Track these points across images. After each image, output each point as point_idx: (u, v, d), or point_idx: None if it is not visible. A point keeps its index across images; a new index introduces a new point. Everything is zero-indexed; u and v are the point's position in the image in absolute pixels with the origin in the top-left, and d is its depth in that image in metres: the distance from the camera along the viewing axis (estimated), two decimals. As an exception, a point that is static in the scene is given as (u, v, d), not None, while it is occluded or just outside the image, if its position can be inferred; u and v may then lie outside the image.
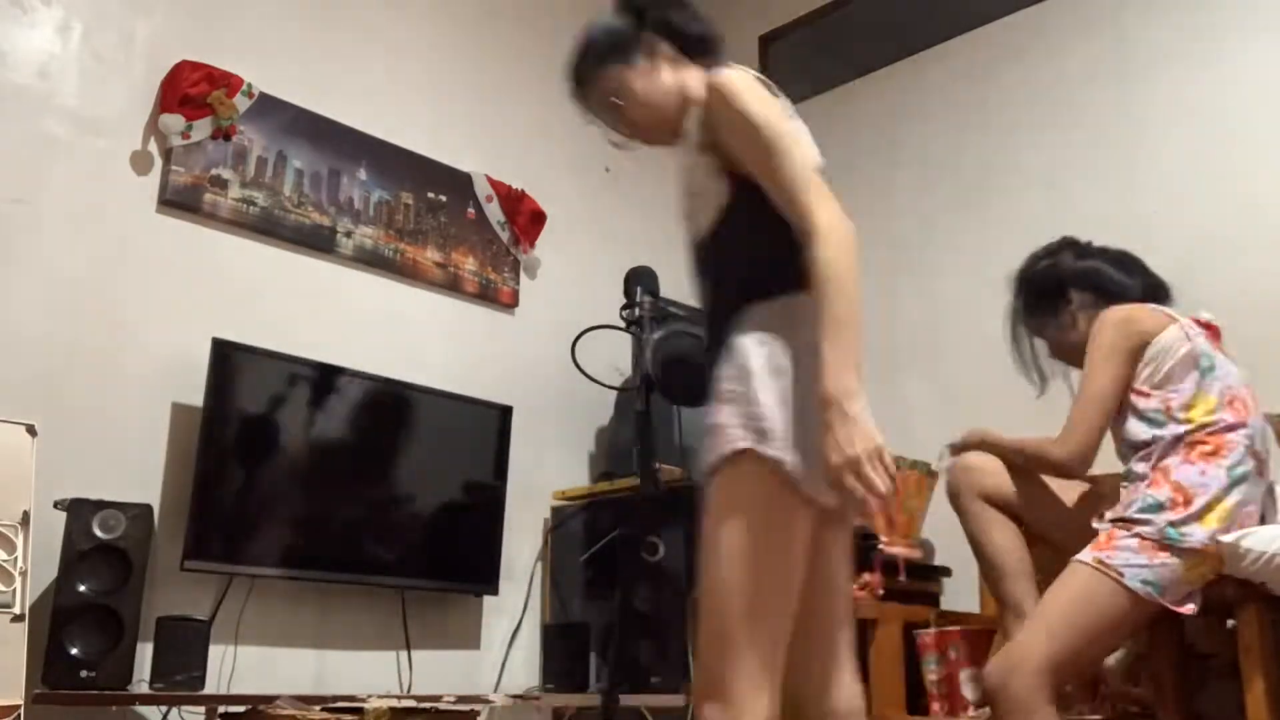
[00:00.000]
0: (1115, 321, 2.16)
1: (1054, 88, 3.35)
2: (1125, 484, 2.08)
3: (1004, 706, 1.94)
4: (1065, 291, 2.32)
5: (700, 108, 1.63)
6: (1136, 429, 2.10)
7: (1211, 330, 2.19)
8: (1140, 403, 2.10)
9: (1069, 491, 2.24)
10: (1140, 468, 2.05)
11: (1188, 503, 1.97)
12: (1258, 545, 1.91)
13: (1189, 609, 1.97)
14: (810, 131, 1.65)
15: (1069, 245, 2.39)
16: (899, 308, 3.57)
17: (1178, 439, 2.03)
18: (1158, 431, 2.06)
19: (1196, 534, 1.95)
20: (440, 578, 2.93)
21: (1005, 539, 2.25)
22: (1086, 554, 1.98)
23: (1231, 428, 2.02)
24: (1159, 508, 1.97)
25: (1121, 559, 1.95)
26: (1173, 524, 1.95)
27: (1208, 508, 1.96)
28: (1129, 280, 2.29)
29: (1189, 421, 2.04)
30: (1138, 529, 1.96)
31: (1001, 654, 2.04)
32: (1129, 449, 2.13)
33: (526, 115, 3.66)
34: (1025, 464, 2.23)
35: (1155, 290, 2.29)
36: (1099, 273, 2.31)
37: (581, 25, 1.77)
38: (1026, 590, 2.22)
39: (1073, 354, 2.31)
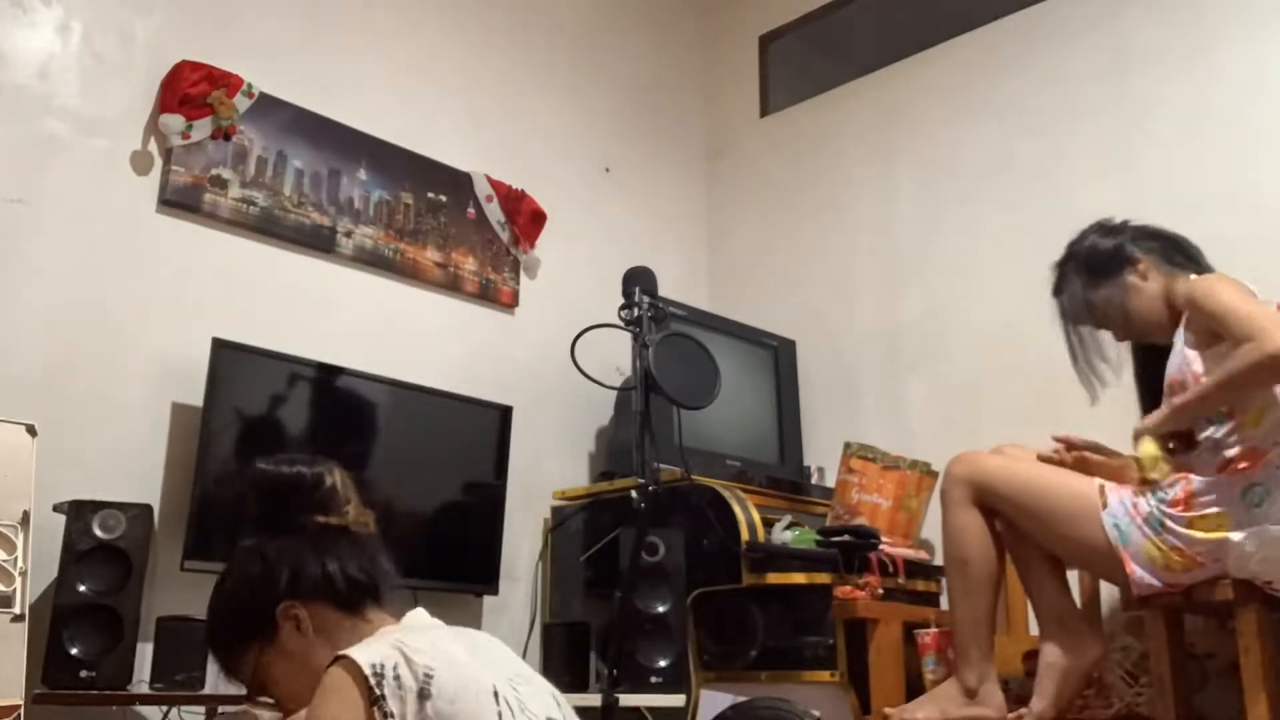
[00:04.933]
0: (1219, 277, 2.08)
1: (1054, 87, 3.35)
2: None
3: (944, 484, 2.30)
4: (1126, 254, 2.21)
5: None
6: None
7: None
8: None
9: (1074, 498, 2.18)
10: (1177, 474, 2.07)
11: (1189, 505, 1.99)
12: (1264, 544, 1.92)
13: (1146, 579, 2.02)
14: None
15: (1103, 223, 2.32)
16: (899, 308, 3.57)
17: (1218, 445, 2.02)
18: (1209, 429, 2.04)
19: (1178, 532, 1.99)
20: (440, 577, 2.93)
21: (983, 549, 2.23)
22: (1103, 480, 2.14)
23: (1274, 444, 1.98)
24: (1166, 499, 2.03)
25: (1116, 499, 2.09)
26: (1164, 511, 2.01)
27: (1202, 517, 1.97)
28: (1176, 256, 2.22)
29: (1240, 429, 2.00)
30: (1140, 499, 2.07)
31: (968, 454, 2.29)
32: (1177, 435, 2.11)
33: (526, 115, 3.66)
34: (1241, 387, 1.97)
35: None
36: (1149, 239, 2.24)
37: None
38: (989, 606, 2.23)
39: (1150, 320, 2.19)
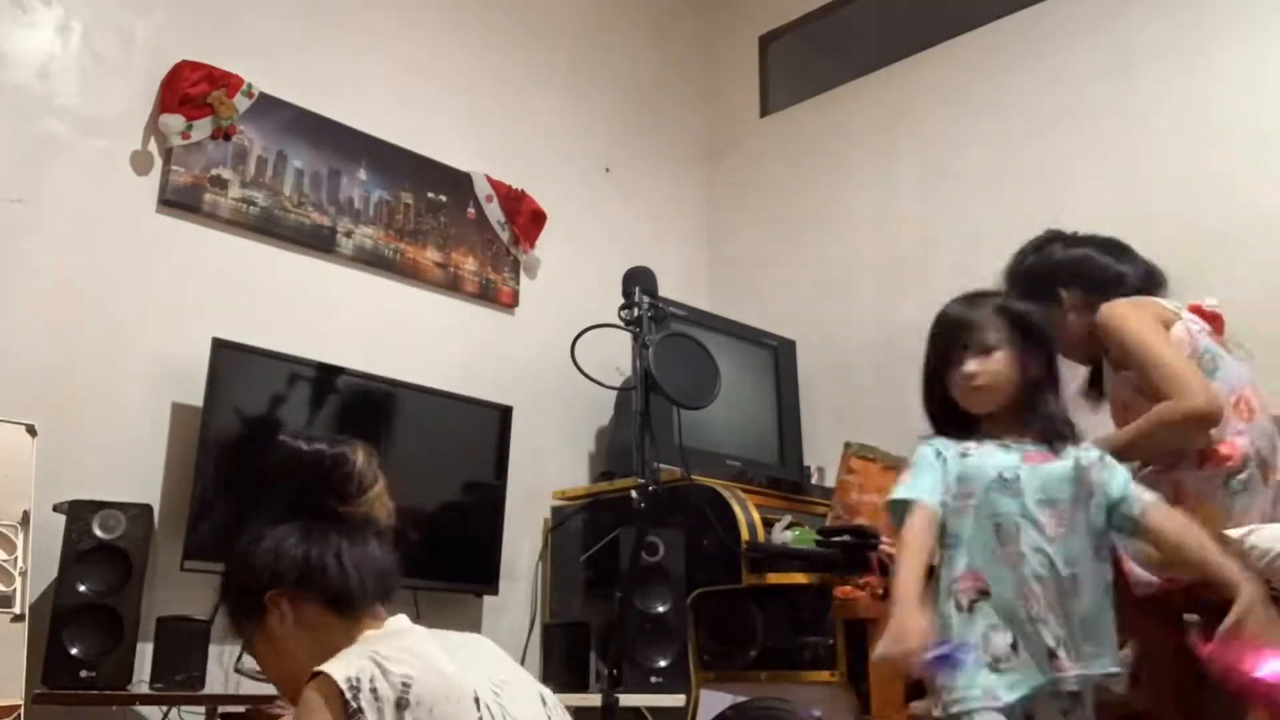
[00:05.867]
0: (1130, 306, 2.10)
1: (1054, 87, 3.35)
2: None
3: None
4: (1054, 288, 2.24)
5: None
6: None
7: (1215, 321, 2.16)
8: (1146, 405, 2.07)
9: None
10: (1150, 479, 2.05)
11: (1176, 504, 1.99)
12: (1262, 543, 1.91)
13: (1145, 578, 2.01)
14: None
15: (1056, 238, 2.33)
16: (899, 308, 3.56)
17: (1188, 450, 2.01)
18: None
19: None
20: (440, 577, 2.93)
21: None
22: None
23: (1238, 433, 2.00)
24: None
25: None
26: None
27: (1193, 511, 1.97)
28: (1121, 266, 2.23)
29: None
30: None
31: None
32: None
33: (526, 115, 3.66)
34: (1158, 443, 2.02)
35: (1150, 276, 2.24)
36: (1090, 260, 2.25)
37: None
38: None
39: (1068, 351, 2.24)
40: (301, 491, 1.45)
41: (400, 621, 1.44)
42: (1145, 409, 2.04)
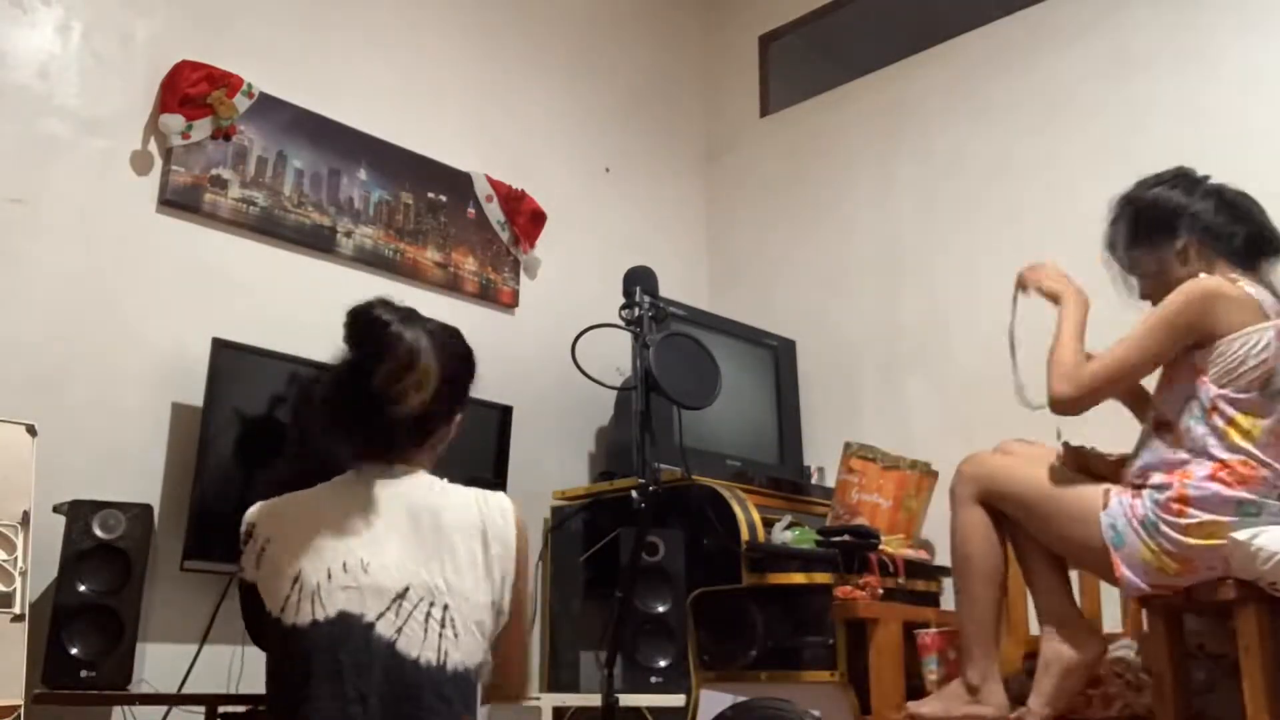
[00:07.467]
0: (1199, 295, 2.03)
1: (1054, 87, 3.36)
2: (1149, 451, 2.10)
3: (954, 483, 2.32)
4: (1175, 228, 2.15)
5: None
6: (1177, 408, 2.06)
7: None
8: (1200, 389, 2.02)
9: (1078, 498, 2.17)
10: (1171, 459, 2.05)
11: (1182, 512, 1.98)
12: (1270, 544, 1.91)
13: (1135, 582, 2.03)
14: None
15: (1183, 176, 2.23)
16: (899, 308, 3.57)
17: (1208, 453, 2.00)
18: (1195, 428, 2.02)
19: (1172, 537, 1.98)
20: (440, 578, 2.92)
21: (986, 546, 2.24)
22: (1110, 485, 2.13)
23: (1265, 464, 1.98)
24: (1160, 502, 2.00)
25: (1116, 500, 2.08)
26: (1159, 515, 2.00)
27: (1199, 525, 1.96)
28: (1235, 227, 2.13)
29: (1226, 438, 1.99)
30: (1137, 501, 2.05)
31: (977, 454, 2.33)
32: (1161, 420, 2.10)
33: (526, 115, 3.66)
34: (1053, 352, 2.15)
35: (1259, 242, 2.14)
36: (1211, 214, 2.14)
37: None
38: (992, 604, 2.24)
39: (1161, 294, 2.16)
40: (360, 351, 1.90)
41: (341, 482, 1.77)
42: (1180, 369, 2.07)
